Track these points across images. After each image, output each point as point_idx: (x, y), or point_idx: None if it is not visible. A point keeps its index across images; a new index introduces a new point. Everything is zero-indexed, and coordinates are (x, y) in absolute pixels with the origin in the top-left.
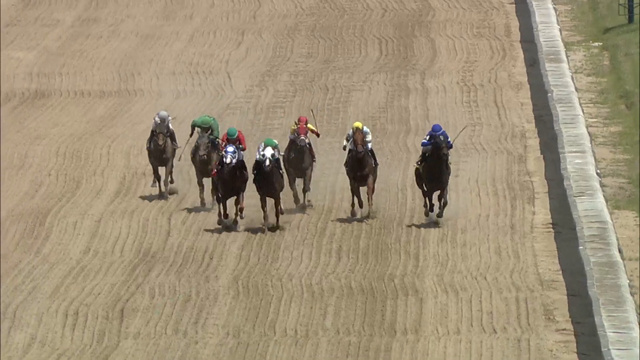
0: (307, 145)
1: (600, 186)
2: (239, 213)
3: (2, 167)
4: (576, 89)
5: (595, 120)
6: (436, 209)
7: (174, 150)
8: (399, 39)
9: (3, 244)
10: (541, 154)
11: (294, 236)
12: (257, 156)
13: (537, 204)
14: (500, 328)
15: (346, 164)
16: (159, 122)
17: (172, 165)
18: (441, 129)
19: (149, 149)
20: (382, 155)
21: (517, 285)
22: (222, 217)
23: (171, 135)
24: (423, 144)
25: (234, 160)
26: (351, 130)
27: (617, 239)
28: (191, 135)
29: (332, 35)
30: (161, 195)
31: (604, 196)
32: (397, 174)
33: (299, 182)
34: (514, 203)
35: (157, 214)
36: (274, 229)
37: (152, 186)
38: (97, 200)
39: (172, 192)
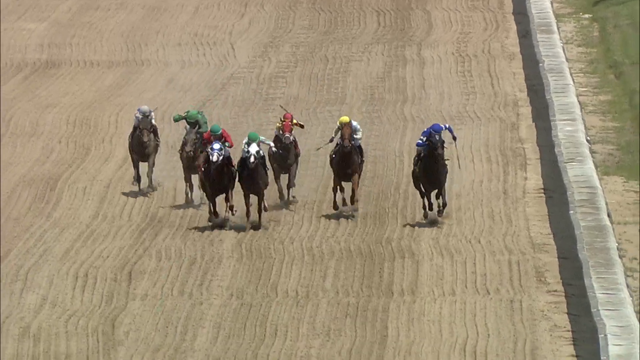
0: (293, 142)
1: (590, 153)
2: (229, 211)
3: (14, 135)
4: (567, 59)
5: (585, 89)
6: (435, 208)
7: (157, 145)
8: (396, 12)
9: (15, 208)
10: (533, 121)
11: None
12: (242, 152)
13: (529, 170)
14: (493, 289)
15: (332, 159)
16: (141, 117)
17: (154, 161)
18: (442, 129)
19: (130, 143)
20: (380, 123)
21: (509, 248)
22: (213, 215)
23: (154, 131)
24: (418, 145)
25: (221, 158)
26: (339, 123)
27: (606, 204)
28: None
29: (332, 8)
30: (142, 192)
31: (593, 162)
32: (394, 141)
33: (283, 177)
34: (507, 169)
35: (165, 179)
36: (257, 226)
37: (133, 184)
38: (105, 167)
39: (154, 188)
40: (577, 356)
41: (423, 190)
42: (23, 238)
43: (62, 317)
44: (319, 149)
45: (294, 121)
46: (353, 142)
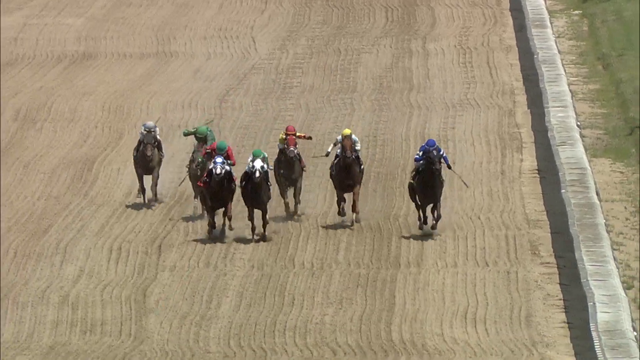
0: (297, 156)
1: (580, 137)
2: (227, 222)
3: (54, 120)
4: (559, 52)
5: (575, 78)
6: (430, 222)
7: (160, 159)
8: (403, 8)
9: (55, 187)
10: (528, 108)
11: (310, 181)
12: (247, 168)
13: (525, 153)
14: (491, 262)
15: (332, 171)
16: (146, 132)
17: (158, 174)
18: (435, 144)
19: (135, 157)
20: (388, 110)
21: (506, 224)
22: (211, 227)
23: (158, 145)
24: (416, 159)
25: (223, 172)
26: (340, 137)
27: (595, 183)
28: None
29: (344, 5)
30: (147, 205)
31: (583, 145)
32: (401, 126)
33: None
34: (504, 152)
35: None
36: (262, 239)
37: (137, 197)
38: None
39: (159, 201)
40: (568, 322)
41: (419, 202)
42: (62, 215)
43: (97, 287)
44: (314, 156)
45: (298, 134)
46: (354, 153)
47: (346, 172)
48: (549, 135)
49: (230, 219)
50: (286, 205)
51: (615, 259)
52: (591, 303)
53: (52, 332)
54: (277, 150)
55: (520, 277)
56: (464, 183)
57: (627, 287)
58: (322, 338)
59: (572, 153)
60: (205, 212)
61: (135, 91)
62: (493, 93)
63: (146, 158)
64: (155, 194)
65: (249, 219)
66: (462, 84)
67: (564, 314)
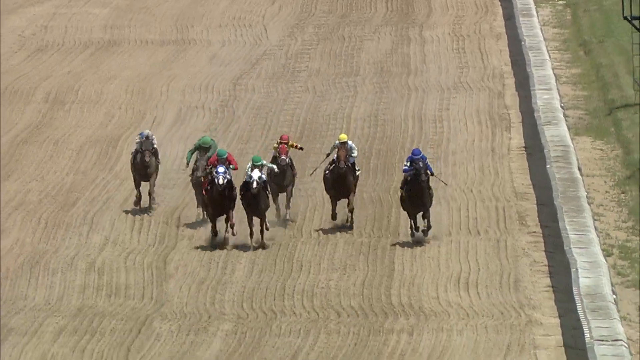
0: (289, 164)
1: (564, 117)
2: (230, 230)
3: (82, 102)
4: (544, 39)
5: (559, 63)
6: (421, 229)
7: (157, 166)
8: None
9: (83, 163)
10: (516, 91)
11: (317, 156)
12: (245, 177)
13: (513, 131)
14: (483, 231)
15: (326, 179)
16: (144, 140)
17: (155, 180)
18: (420, 153)
19: (133, 164)
20: (388, 92)
21: (496, 196)
22: (213, 234)
23: (155, 153)
24: (404, 170)
25: (225, 182)
26: (337, 141)
27: (577, 160)
28: (192, 153)
29: None
30: (144, 210)
31: (566, 125)
32: (400, 107)
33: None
34: (494, 130)
35: None
36: (260, 245)
37: (135, 205)
38: (158, 129)
39: (157, 206)
40: (552, 287)
41: (409, 211)
42: (89, 188)
43: (122, 254)
44: (312, 173)
45: (291, 143)
46: (348, 162)
47: (340, 182)
48: (535, 115)
49: (232, 226)
50: (277, 210)
51: (596, 228)
52: (574, 269)
53: (80, 295)
54: (275, 144)
55: (509, 245)
56: (443, 182)
57: (607, 254)
58: (327, 301)
59: (556, 132)
60: (208, 219)
61: (156, 75)
62: (484, 77)
63: (144, 164)
64: (152, 199)
65: (248, 226)
66: (456, 68)
67: (548, 278)
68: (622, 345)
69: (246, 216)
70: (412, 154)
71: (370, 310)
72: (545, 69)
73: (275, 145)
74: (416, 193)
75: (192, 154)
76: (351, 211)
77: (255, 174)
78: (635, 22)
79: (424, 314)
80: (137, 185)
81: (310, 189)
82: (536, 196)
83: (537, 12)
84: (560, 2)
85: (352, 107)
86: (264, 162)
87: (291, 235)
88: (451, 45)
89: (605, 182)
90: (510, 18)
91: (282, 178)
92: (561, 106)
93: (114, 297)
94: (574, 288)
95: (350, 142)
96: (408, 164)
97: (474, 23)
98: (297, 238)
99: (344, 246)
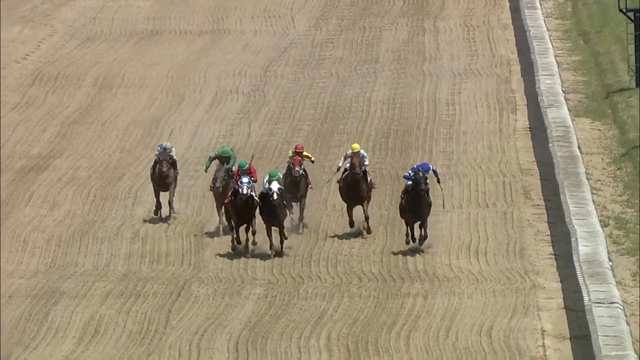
0: (303, 174)
1: (565, 100)
2: (251, 238)
3: (127, 86)
4: (547, 29)
5: (561, 51)
6: (418, 237)
7: (176, 176)
8: None
9: (128, 142)
10: (521, 76)
11: (340, 135)
12: (263, 189)
13: (518, 114)
14: (491, 204)
15: (340, 187)
16: (162, 151)
17: (174, 190)
18: (430, 169)
19: (152, 175)
20: (405, 77)
21: (503, 172)
22: (236, 242)
23: (173, 163)
24: (405, 177)
25: (250, 191)
26: (350, 151)
27: (577, 139)
28: (210, 162)
29: None
30: (164, 220)
31: (567, 107)
32: (416, 91)
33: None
34: (502, 113)
35: (241, 120)
36: (279, 254)
37: (155, 214)
38: (196, 111)
39: (177, 214)
40: (554, 254)
41: (406, 220)
42: (134, 165)
43: (163, 225)
44: (328, 181)
45: (305, 153)
46: (362, 169)
47: (354, 188)
48: (538, 99)
49: (254, 234)
50: (291, 219)
51: (593, 201)
52: (574, 238)
53: (126, 262)
54: (290, 153)
55: (515, 217)
56: (443, 203)
57: (604, 225)
58: (350, 267)
59: (558, 114)
60: (230, 228)
61: (194, 62)
62: (492, 64)
63: (162, 174)
64: (171, 209)
65: (267, 236)
66: (467, 56)
67: (551, 247)
68: (617, 307)
69: (265, 226)
70: (423, 167)
71: (388, 276)
72: (548, 56)
73: (290, 154)
74: (415, 202)
75: (211, 161)
76: (367, 219)
77: (274, 185)
78: (630, 14)
79: (437, 279)
80: (157, 195)
81: (333, 165)
82: (539, 172)
83: (540, 5)
84: None
85: (372, 92)
86: (280, 175)
87: (317, 208)
88: (462, 35)
89: (602, 159)
90: (516, 10)
91: (296, 189)
92: (562, 90)
93: (156, 263)
94: (573, 255)
95: (362, 151)
96: (411, 172)
97: (483, 15)
98: (322, 210)
99: (362, 215)
